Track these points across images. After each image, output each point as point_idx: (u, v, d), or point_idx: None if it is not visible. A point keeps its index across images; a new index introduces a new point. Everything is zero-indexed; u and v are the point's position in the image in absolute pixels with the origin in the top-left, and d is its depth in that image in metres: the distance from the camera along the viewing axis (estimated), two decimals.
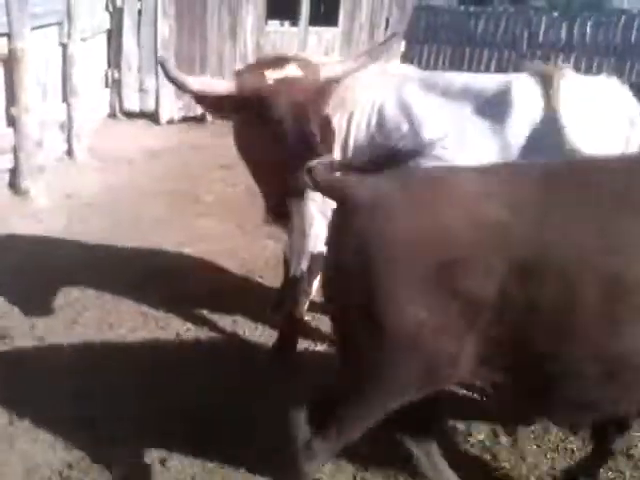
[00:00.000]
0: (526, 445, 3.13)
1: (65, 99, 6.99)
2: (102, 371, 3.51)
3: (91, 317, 4.06)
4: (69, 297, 4.25)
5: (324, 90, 3.06)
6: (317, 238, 3.44)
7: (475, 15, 15.28)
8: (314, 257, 3.50)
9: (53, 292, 4.27)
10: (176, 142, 8.61)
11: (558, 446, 3.15)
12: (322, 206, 3.35)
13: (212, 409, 3.23)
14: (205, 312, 4.17)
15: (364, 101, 3.28)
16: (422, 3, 16.16)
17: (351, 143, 3.26)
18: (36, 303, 4.14)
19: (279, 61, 3.01)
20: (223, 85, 3.06)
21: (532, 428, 3.25)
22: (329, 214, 3.31)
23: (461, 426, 3.24)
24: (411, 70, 3.57)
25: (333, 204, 3.29)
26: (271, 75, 2.94)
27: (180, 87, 3.08)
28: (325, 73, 3.04)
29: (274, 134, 2.93)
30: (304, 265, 3.52)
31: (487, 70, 14.53)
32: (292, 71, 2.97)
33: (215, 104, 3.07)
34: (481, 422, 3.28)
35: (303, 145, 2.81)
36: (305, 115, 2.90)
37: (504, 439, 3.17)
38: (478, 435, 3.19)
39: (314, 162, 2.49)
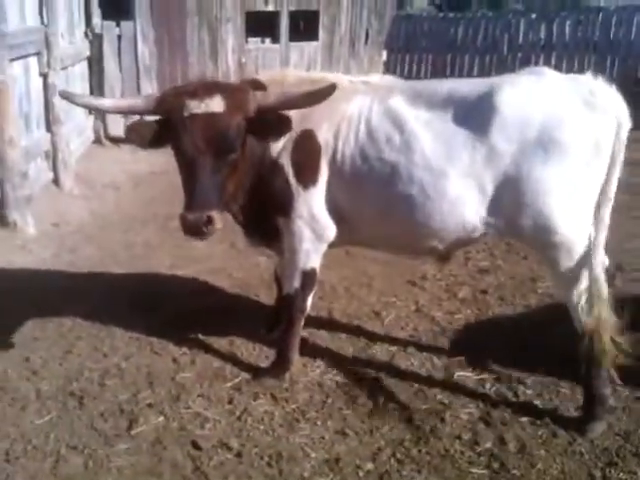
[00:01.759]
0: (534, 450, 3.09)
1: (49, 128, 6.95)
2: (98, 400, 3.45)
3: (85, 346, 3.99)
4: (62, 328, 4.19)
5: (254, 121, 2.99)
6: (308, 254, 3.42)
7: (454, 21, 15.38)
8: (306, 274, 3.47)
9: (45, 324, 4.22)
10: (163, 165, 8.54)
11: (567, 450, 3.11)
12: (310, 222, 3.33)
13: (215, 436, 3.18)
14: (201, 334, 4.11)
15: (350, 114, 3.26)
16: (400, 13, 16.28)
17: (339, 156, 3.24)
18: (29, 336, 4.08)
19: (206, 90, 2.93)
20: (138, 103, 3.11)
21: (539, 432, 3.21)
22: (318, 230, 3.33)
23: (466, 435, 3.20)
24: (394, 81, 3.56)
25: (322, 220, 3.31)
26: (190, 106, 2.87)
27: (95, 110, 3.14)
28: (256, 105, 2.99)
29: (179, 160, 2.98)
30: (297, 282, 3.48)
31: (470, 75, 14.61)
32: (214, 104, 2.88)
33: (140, 132, 3.04)
34: (486, 429, 3.24)
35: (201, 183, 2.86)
36: (215, 153, 2.88)
37: (511, 445, 3.12)
38: (485, 443, 3.14)
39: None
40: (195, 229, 2.82)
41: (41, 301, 4.49)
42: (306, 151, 3.26)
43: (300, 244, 3.39)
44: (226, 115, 2.90)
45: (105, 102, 3.44)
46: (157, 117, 3.03)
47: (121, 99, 3.16)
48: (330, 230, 3.40)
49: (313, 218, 3.33)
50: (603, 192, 3.12)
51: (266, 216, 3.41)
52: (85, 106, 3.10)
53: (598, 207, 3.13)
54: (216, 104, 2.89)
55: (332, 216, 3.36)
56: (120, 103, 3.40)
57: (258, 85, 3.31)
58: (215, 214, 2.83)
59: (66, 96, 3.27)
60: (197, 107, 2.87)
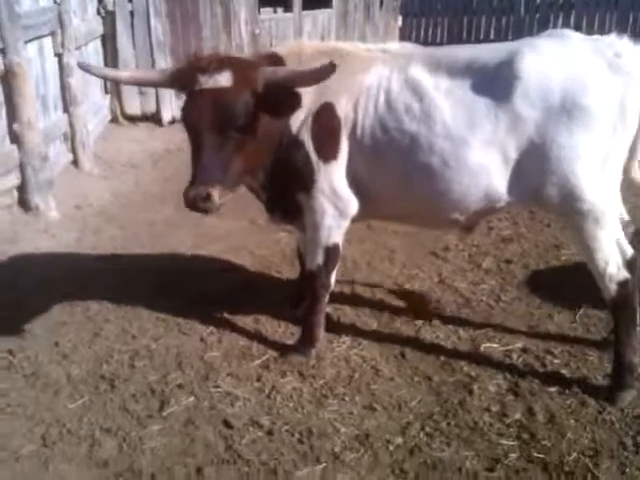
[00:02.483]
0: (564, 420, 3.10)
1: (66, 109, 6.95)
2: (129, 382, 3.51)
3: (113, 329, 4.04)
4: (89, 311, 4.24)
5: (261, 95, 2.97)
6: (330, 230, 3.41)
7: None
8: (329, 249, 3.46)
9: (73, 308, 4.27)
10: (180, 142, 8.55)
11: (597, 418, 3.11)
12: (332, 197, 3.31)
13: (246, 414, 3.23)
14: (226, 313, 4.15)
15: (368, 84, 3.21)
16: None
17: (359, 129, 3.20)
18: (57, 321, 4.14)
19: (217, 64, 2.93)
20: (154, 76, 3.25)
21: (568, 402, 3.21)
22: (340, 205, 3.31)
23: (495, 407, 3.21)
24: (413, 48, 3.49)
25: (343, 195, 3.29)
26: (201, 80, 2.89)
27: (113, 81, 3.21)
28: (263, 80, 2.96)
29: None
30: (320, 258, 3.48)
31: (486, 37, 14.36)
32: (223, 79, 2.89)
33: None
34: (514, 400, 3.24)
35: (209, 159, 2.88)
36: (220, 129, 2.89)
37: (540, 416, 3.13)
38: (514, 414, 3.15)
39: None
40: (193, 204, 2.87)
41: (67, 285, 4.54)
42: (326, 125, 3.22)
43: (322, 220, 3.38)
44: (232, 90, 2.89)
45: (122, 74, 3.52)
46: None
47: (138, 70, 3.28)
48: (352, 205, 3.37)
49: (335, 193, 3.31)
50: (631, 154, 3.07)
51: (287, 192, 3.39)
52: (103, 77, 3.24)
53: (626, 170, 3.09)
54: (224, 79, 2.89)
55: (354, 190, 3.34)
56: (137, 74, 3.49)
57: (276, 59, 3.27)
58: (215, 190, 2.84)
59: (85, 67, 3.39)
60: (206, 82, 2.89)
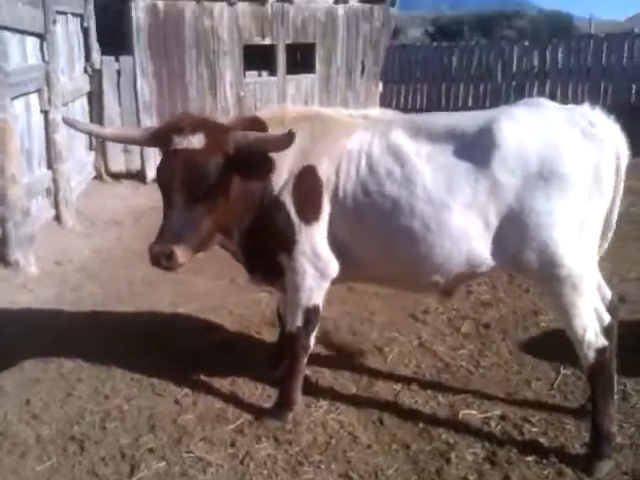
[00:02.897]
0: None
1: (50, 165, 6.99)
2: (99, 445, 3.41)
3: (86, 388, 3.96)
4: (63, 369, 4.16)
5: (233, 158, 3.04)
6: (311, 291, 3.42)
7: (448, 50, 15.62)
8: (309, 311, 3.46)
9: (47, 365, 4.19)
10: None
11: None
12: (313, 259, 3.33)
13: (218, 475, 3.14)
14: (203, 374, 4.09)
15: (350, 148, 3.28)
16: (395, 43, 16.50)
17: (341, 191, 3.25)
18: (29, 378, 4.05)
19: (192, 126, 3.01)
20: (136, 134, 3.33)
21: (545, 472, 3.18)
22: (321, 267, 3.33)
23: (472, 476, 3.17)
24: (393, 115, 3.59)
25: (324, 257, 3.32)
26: (175, 141, 2.98)
27: (97, 137, 3.31)
28: (234, 143, 3.03)
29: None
30: (300, 320, 3.47)
31: (465, 104, 14.78)
32: (195, 141, 2.97)
33: None
34: (492, 469, 3.21)
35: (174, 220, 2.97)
36: (189, 189, 2.95)
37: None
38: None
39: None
40: (156, 261, 2.94)
41: (42, 342, 4.47)
42: (308, 187, 3.26)
43: (303, 281, 3.38)
44: (203, 152, 2.96)
45: (106, 131, 3.63)
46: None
47: (121, 128, 3.41)
48: (333, 267, 3.39)
49: (316, 255, 3.33)
50: (606, 222, 3.15)
51: (268, 253, 3.41)
52: (88, 132, 3.35)
53: (601, 237, 3.17)
54: (196, 141, 2.97)
55: (335, 252, 3.36)
56: (120, 132, 3.64)
57: (258, 123, 3.34)
58: (178, 249, 2.91)
59: (70, 123, 3.49)
60: (180, 142, 2.97)
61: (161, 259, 2.91)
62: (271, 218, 3.31)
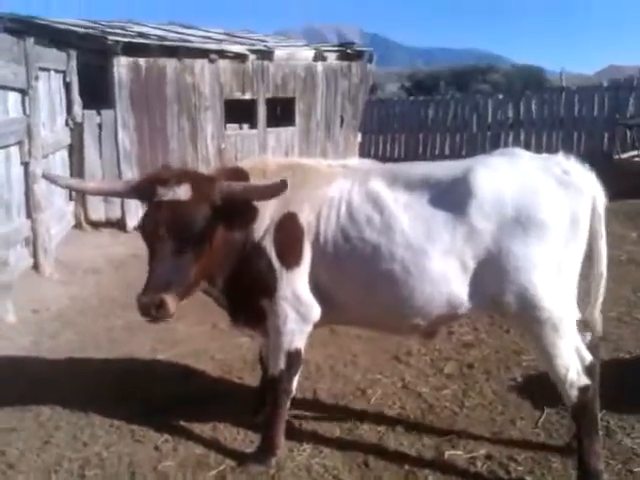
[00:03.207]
0: None
1: (29, 215, 6.98)
2: None
3: (64, 436, 3.86)
4: (40, 417, 4.06)
5: (218, 208, 3.07)
6: (293, 335, 3.41)
7: (424, 104, 16.04)
8: (291, 354, 3.44)
9: (23, 413, 4.09)
10: (144, 248, 8.56)
11: None
12: (294, 303, 3.33)
13: None
14: (183, 420, 4.00)
15: (331, 196, 3.33)
16: (373, 97, 16.92)
17: (322, 237, 3.28)
18: (5, 427, 3.95)
19: (177, 177, 3.04)
20: (118, 187, 3.36)
21: None
22: (302, 311, 3.33)
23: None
24: (371, 164, 3.67)
25: (306, 301, 3.32)
26: (159, 192, 3.00)
27: (78, 192, 3.32)
28: (220, 193, 3.07)
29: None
30: (282, 364, 3.45)
31: (441, 153, 15.09)
32: (181, 192, 2.99)
33: None
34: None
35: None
36: (177, 240, 2.96)
37: None
38: None
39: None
40: (146, 311, 2.90)
41: (19, 390, 4.38)
42: (289, 233, 3.30)
43: (285, 325, 3.38)
44: (191, 203, 2.99)
45: (87, 185, 3.66)
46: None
47: (102, 182, 3.42)
48: (315, 310, 3.39)
49: (297, 299, 3.34)
50: (594, 267, 3.22)
51: (251, 298, 3.40)
52: (68, 188, 3.36)
53: (593, 283, 3.24)
54: (183, 192, 2.99)
55: (316, 296, 3.37)
56: (101, 185, 3.71)
57: (240, 174, 3.39)
58: (168, 298, 2.89)
59: (50, 178, 3.51)
60: (165, 194, 2.98)
61: (151, 309, 2.88)
62: (253, 263, 3.33)
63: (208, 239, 3.07)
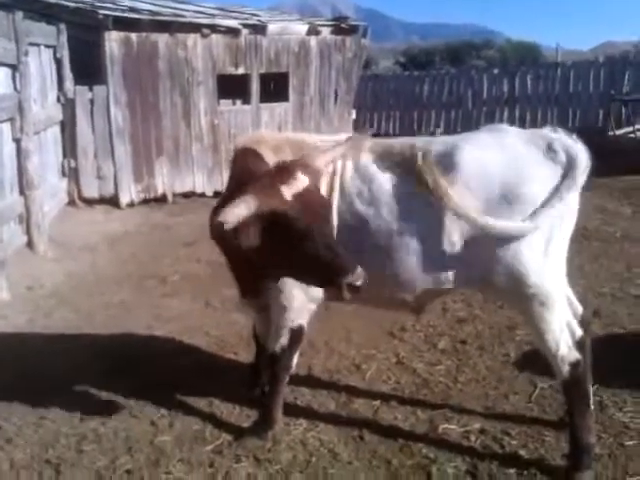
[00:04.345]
0: None
1: (22, 192, 6.94)
2: (76, 468, 3.34)
3: (60, 412, 3.88)
4: (36, 393, 4.06)
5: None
6: (297, 312, 3.42)
7: (419, 79, 15.95)
8: (294, 331, 3.46)
9: (19, 389, 4.10)
10: (138, 224, 8.57)
11: None
12: None
13: None
14: (179, 395, 4.03)
15: (324, 170, 3.30)
16: (367, 73, 16.79)
17: None
18: (2, 402, 3.96)
19: (287, 171, 2.84)
20: (245, 209, 2.79)
21: None
22: (307, 288, 3.32)
23: None
24: (364, 139, 3.63)
25: None
26: (288, 191, 2.77)
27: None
28: (320, 165, 2.99)
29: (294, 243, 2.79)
30: (284, 340, 3.46)
31: (436, 129, 15.02)
32: (303, 180, 2.82)
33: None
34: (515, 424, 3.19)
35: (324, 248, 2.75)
36: (321, 218, 2.83)
37: None
38: None
39: None
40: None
41: (14, 367, 4.39)
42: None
43: (290, 302, 3.38)
44: (311, 184, 2.85)
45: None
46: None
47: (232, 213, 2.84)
48: (319, 288, 3.39)
49: None
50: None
51: (256, 276, 3.38)
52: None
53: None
54: (303, 179, 2.82)
55: None
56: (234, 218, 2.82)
57: (256, 155, 3.24)
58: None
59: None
60: (294, 188, 2.78)
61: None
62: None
63: None
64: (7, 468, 3.36)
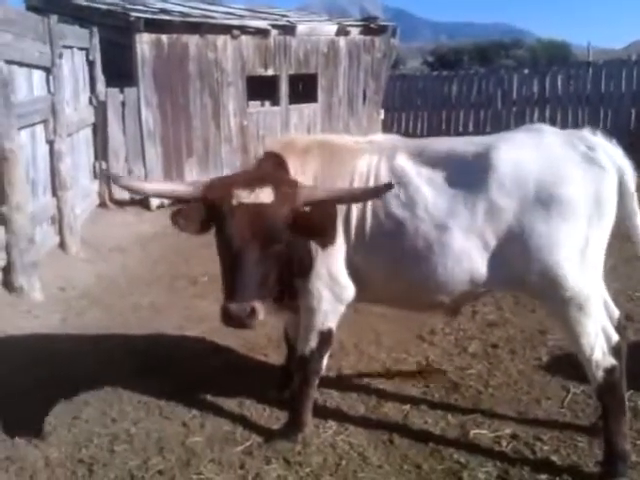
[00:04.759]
0: None
1: (55, 193, 7.05)
2: (108, 467, 3.38)
3: (93, 412, 3.94)
4: (70, 393, 4.13)
5: (300, 214, 2.95)
6: (326, 315, 3.41)
7: (448, 79, 15.83)
8: (323, 334, 3.45)
9: (53, 389, 4.16)
10: (168, 226, 8.55)
11: None
12: (329, 283, 3.33)
13: None
14: (210, 396, 4.07)
15: (360, 172, 3.30)
16: (395, 73, 16.74)
17: (353, 214, 3.26)
18: (36, 402, 4.02)
19: (255, 181, 2.92)
20: (184, 189, 3.07)
21: None
22: (337, 291, 3.32)
23: None
24: (397, 140, 3.63)
25: (341, 280, 3.31)
26: (239, 195, 2.85)
27: (137, 193, 3.07)
28: (304, 198, 2.96)
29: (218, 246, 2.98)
30: (313, 343, 3.46)
31: (465, 129, 14.90)
32: (264, 196, 2.86)
33: (187, 216, 2.97)
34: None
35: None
36: (261, 244, 2.84)
37: None
38: None
39: None
40: (238, 320, 2.79)
41: (47, 366, 4.46)
42: (322, 209, 3.25)
43: (319, 305, 3.37)
44: (275, 206, 2.86)
45: (148, 186, 3.38)
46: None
47: (164, 184, 3.05)
48: (349, 290, 3.38)
49: (332, 278, 3.33)
50: (637, 248, 3.20)
51: (286, 279, 3.35)
52: (126, 188, 3.15)
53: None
54: (266, 195, 2.86)
55: (350, 275, 3.36)
56: (164, 188, 3.31)
57: (278, 160, 3.30)
58: (258, 305, 2.80)
59: (109, 176, 3.31)
60: (246, 197, 2.84)
61: (244, 318, 2.78)
62: (289, 244, 3.29)
63: (284, 240, 2.97)
64: (42, 466, 3.42)
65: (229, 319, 2.80)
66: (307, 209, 2.96)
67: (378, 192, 3.02)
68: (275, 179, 2.99)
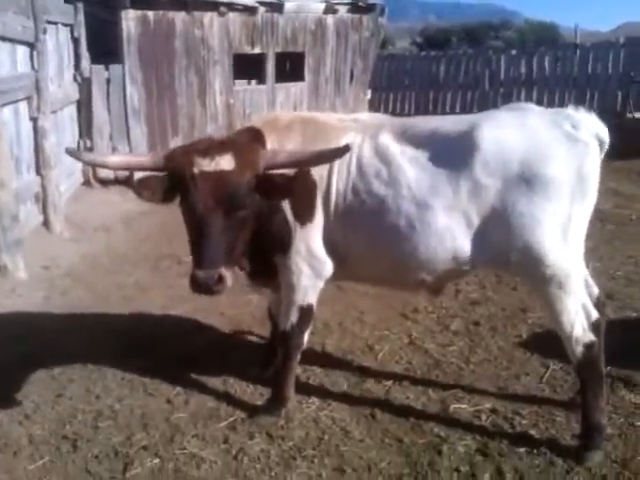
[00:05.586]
0: None
1: (39, 171, 6.99)
2: (92, 443, 3.41)
3: (77, 389, 3.95)
4: (53, 370, 4.15)
5: (264, 178, 2.97)
6: (306, 291, 3.43)
7: (436, 59, 15.81)
8: (303, 309, 3.48)
9: (37, 367, 4.18)
10: (152, 206, 8.55)
11: (565, 478, 3.10)
12: (308, 259, 3.34)
13: (212, 477, 3.15)
14: (194, 374, 4.09)
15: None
16: (383, 52, 16.65)
17: (333, 192, 3.27)
18: (20, 379, 4.03)
19: (217, 148, 2.93)
20: (147, 160, 3.07)
21: (537, 462, 3.20)
22: (316, 266, 3.34)
23: (464, 467, 3.18)
24: (382, 118, 3.63)
25: (320, 256, 3.34)
26: (200, 164, 2.87)
27: (101, 167, 3.06)
28: (266, 163, 2.98)
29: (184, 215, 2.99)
30: (294, 319, 3.49)
31: (452, 110, 14.91)
32: (225, 162, 2.88)
33: (150, 186, 3.01)
34: (484, 461, 3.22)
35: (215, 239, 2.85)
36: (225, 211, 2.86)
37: (509, 476, 3.12)
38: (483, 475, 3.13)
39: None
40: (206, 287, 2.82)
41: (31, 344, 4.46)
42: (302, 188, 3.26)
43: (298, 280, 3.40)
44: (236, 173, 2.88)
45: (110, 159, 3.33)
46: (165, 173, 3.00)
47: (127, 156, 3.02)
48: (328, 266, 3.40)
49: (311, 254, 3.34)
50: None
51: (265, 255, 3.40)
52: (90, 164, 3.15)
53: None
54: (226, 162, 2.87)
55: (328, 252, 3.38)
56: (126, 160, 3.31)
57: (256, 135, 3.31)
58: (225, 272, 2.83)
59: (72, 154, 3.29)
60: (207, 165, 2.86)
61: (211, 285, 2.81)
62: (268, 220, 3.31)
63: (250, 208, 2.99)
64: (26, 443, 3.44)
65: (197, 286, 2.83)
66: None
67: (338, 153, 3.01)
68: (235, 145, 3.00)
